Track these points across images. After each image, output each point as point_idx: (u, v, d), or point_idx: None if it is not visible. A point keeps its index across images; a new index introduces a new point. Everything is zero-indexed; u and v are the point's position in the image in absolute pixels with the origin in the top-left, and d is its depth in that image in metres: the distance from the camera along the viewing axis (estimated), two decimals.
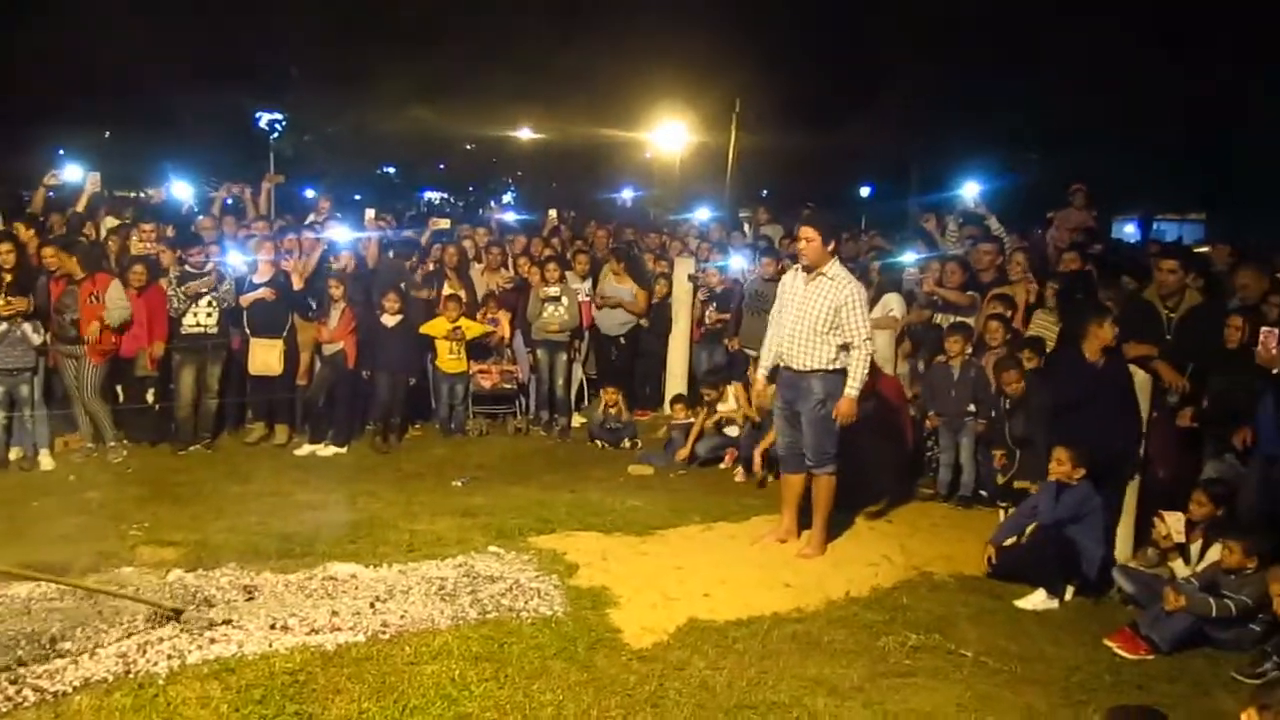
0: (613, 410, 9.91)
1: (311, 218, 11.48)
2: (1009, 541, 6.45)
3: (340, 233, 10.32)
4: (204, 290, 8.80)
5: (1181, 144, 20.70)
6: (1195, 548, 6.01)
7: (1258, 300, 6.88)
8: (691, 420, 9.48)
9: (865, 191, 31.28)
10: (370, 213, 10.77)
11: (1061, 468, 6.24)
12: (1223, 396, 6.64)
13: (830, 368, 6.33)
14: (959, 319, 8.64)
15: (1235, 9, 18.19)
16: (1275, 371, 6.06)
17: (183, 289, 8.76)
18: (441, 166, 32.08)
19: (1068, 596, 6.07)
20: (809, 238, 6.33)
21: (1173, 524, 6.07)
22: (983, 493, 7.91)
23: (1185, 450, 7.04)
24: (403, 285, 9.75)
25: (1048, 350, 7.67)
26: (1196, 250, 9.86)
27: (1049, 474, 6.35)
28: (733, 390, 9.15)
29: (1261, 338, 6.10)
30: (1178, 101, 18.90)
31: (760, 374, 6.89)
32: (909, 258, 10.38)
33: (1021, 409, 7.27)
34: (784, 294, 6.60)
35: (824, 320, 6.28)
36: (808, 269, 6.39)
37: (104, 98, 24.42)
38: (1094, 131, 20.56)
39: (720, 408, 9.21)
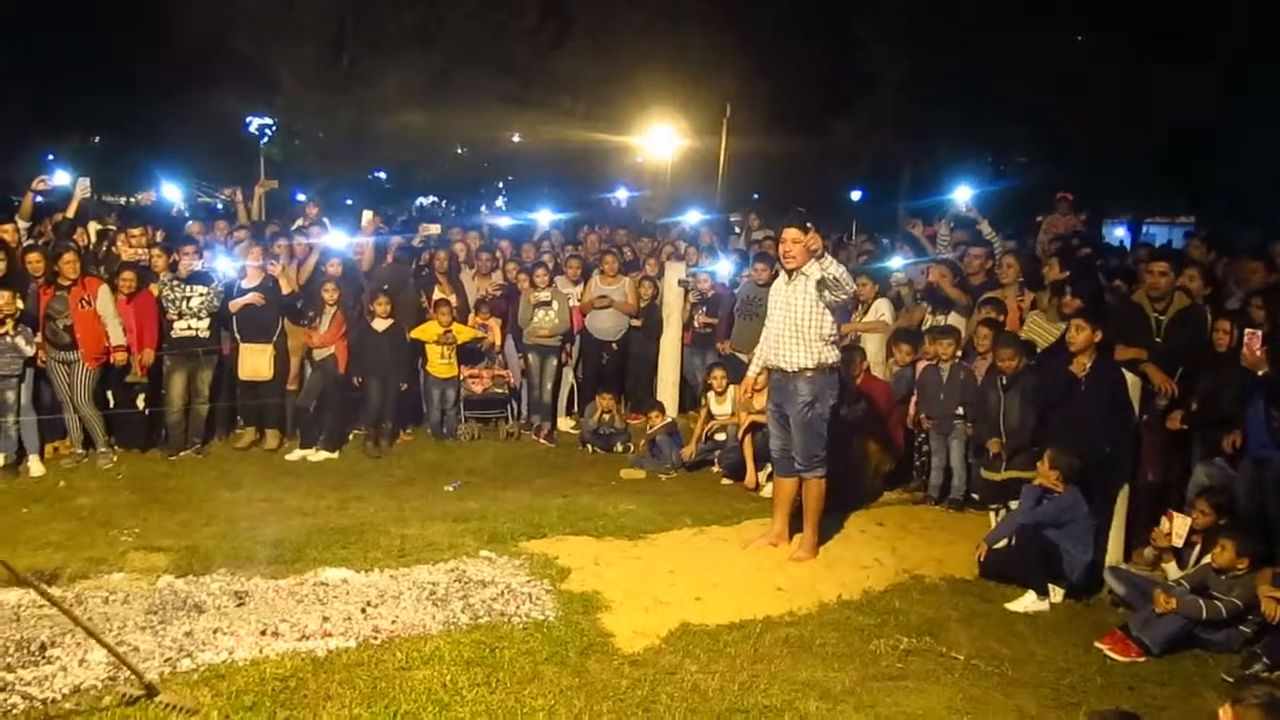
0: (607, 416, 9.92)
1: (299, 222, 11.44)
2: (1000, 544, 6.47)
3: (336, 237, 10.29)
4: (198, 266, 8.83)
5: (1169, 147, 20.75)
6: (1194, 553, 6.02)
7: None
8: (669, 421, 9.57)
9: (856, 195, 31.33)
10: (368, 215, 10.70)
11: (1046, 479, 6.27)
12: (1212, 399, 6.67)
13: (816, 367, 6.35)
14: (947, 323, 8.65)
15: (1217, 12, 18.29)
16: (1261, 373, 6.09)
17: (175, 275, 8.79)
18: (433, 170, 32.03)
19: (1056, 598, 6.08)
20: (794, 239, 6.35)
21: (1178, 526, 6.08)
22: (974, 495, 7.92)
23: (1174, 453, 7.07)
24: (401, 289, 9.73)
25: (1038, 352, 7.69)
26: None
27: (1035, 480, 6.38)
28: (731, 393, 9.15)
29: (1246, 339, 6.13)
30: (1164, 103, 18.95)
31: (751, 371, 6.92)
32: (896, 263, 10.41)
33: (1014, 395, 7.25)
34: (774, 298, 6.63)
35: (806, 317, 6.30)
36: (789, 271, 6.42)
37: (93, 102, 24.36)
38: (1083, 135, 20.60)
39: (716, 410, 9.22)
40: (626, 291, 10.54)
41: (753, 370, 6.90)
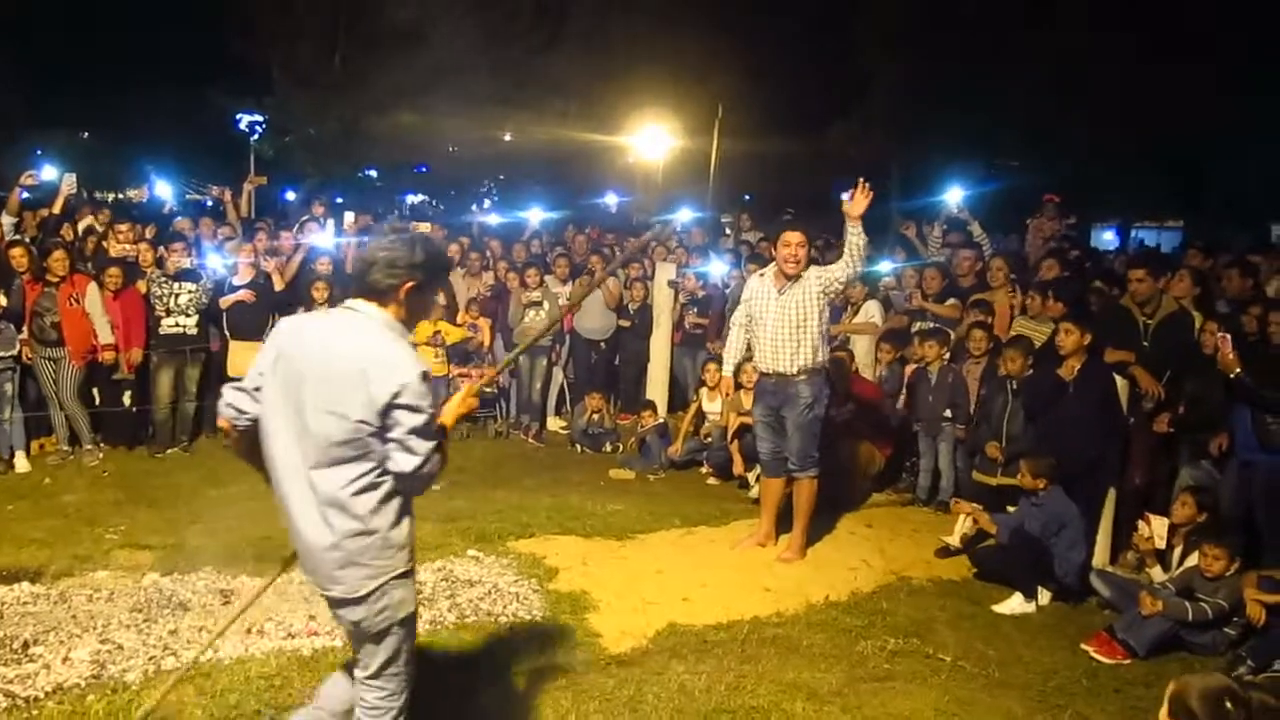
0: (596, 416, 9.91)
1: (305, 219, 11.42)
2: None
3: (322, 237, 10.26)
4: (187, 264, 8.76)
5: (1166, 148, 20.80)
6: (1176, 554, 6.05)
7: None
8: (660, 422, 9.55)
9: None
10: (350, 216, 10.70)
11: (1024, 479, 6.28)
12: (1199, 402, 6.69)
13: (816, 368, 6.35)
14: (935, 325, 8.65)
15: (1208, 17, 18.35)
16: (1233, 375, 6.12)
17: (163, 271, 8.74)
18: (423, 169, 31.97)
19: (1044, 601, 6.10)
20: (799, 243, 6.31)
21: (1157, 528, 6.10)
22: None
23: (1160, 456, 7.09)
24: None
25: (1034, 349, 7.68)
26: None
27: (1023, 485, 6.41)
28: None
29: (1218, 343, 6.16)
30: (1163, 105, 18.99)
31: (725, 371, 7.04)
32: (885, 267, 10.41)
33: (1021, 399, 7.22)
34: (754, 301, 6.57)
35: (810, 319, 6.29)
36: (789, 276, 6.37)
37: (82, 98, 24.27)
38: (1079, 137, 20.65)
39: (707, 406, 9.23)
40: (610, 286, 10.53)
41: (726, 370, 6.99)
